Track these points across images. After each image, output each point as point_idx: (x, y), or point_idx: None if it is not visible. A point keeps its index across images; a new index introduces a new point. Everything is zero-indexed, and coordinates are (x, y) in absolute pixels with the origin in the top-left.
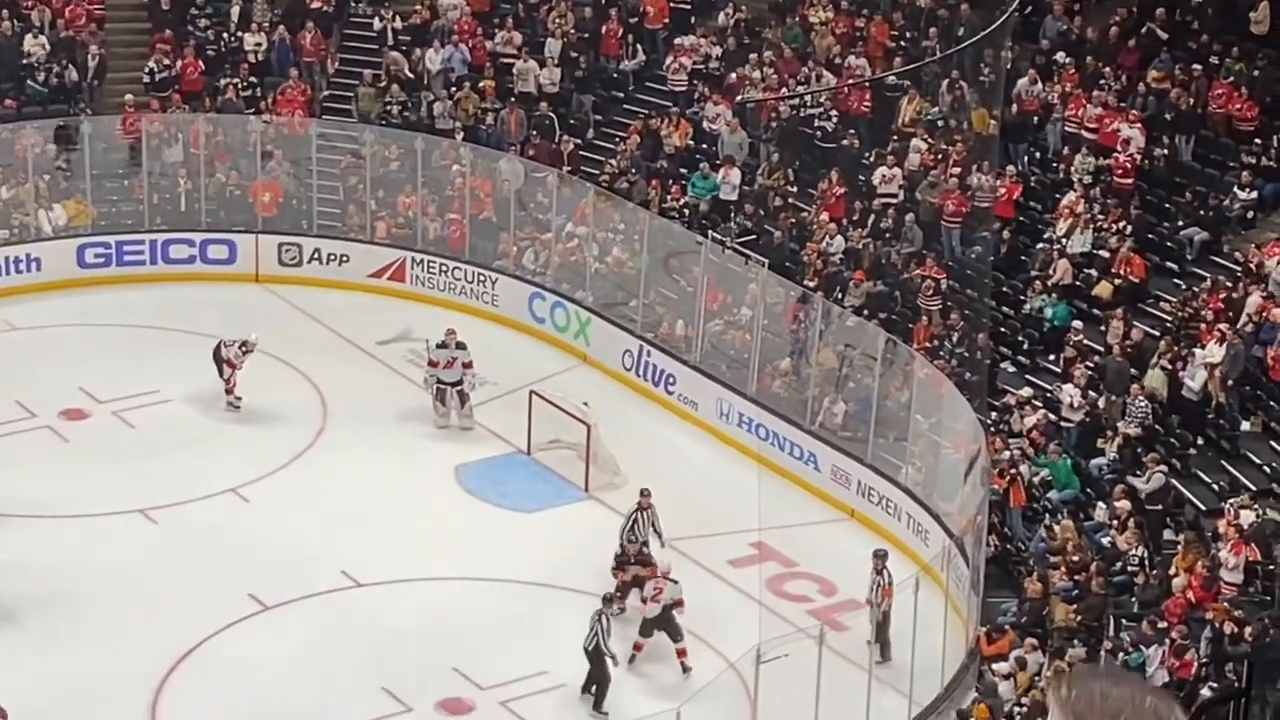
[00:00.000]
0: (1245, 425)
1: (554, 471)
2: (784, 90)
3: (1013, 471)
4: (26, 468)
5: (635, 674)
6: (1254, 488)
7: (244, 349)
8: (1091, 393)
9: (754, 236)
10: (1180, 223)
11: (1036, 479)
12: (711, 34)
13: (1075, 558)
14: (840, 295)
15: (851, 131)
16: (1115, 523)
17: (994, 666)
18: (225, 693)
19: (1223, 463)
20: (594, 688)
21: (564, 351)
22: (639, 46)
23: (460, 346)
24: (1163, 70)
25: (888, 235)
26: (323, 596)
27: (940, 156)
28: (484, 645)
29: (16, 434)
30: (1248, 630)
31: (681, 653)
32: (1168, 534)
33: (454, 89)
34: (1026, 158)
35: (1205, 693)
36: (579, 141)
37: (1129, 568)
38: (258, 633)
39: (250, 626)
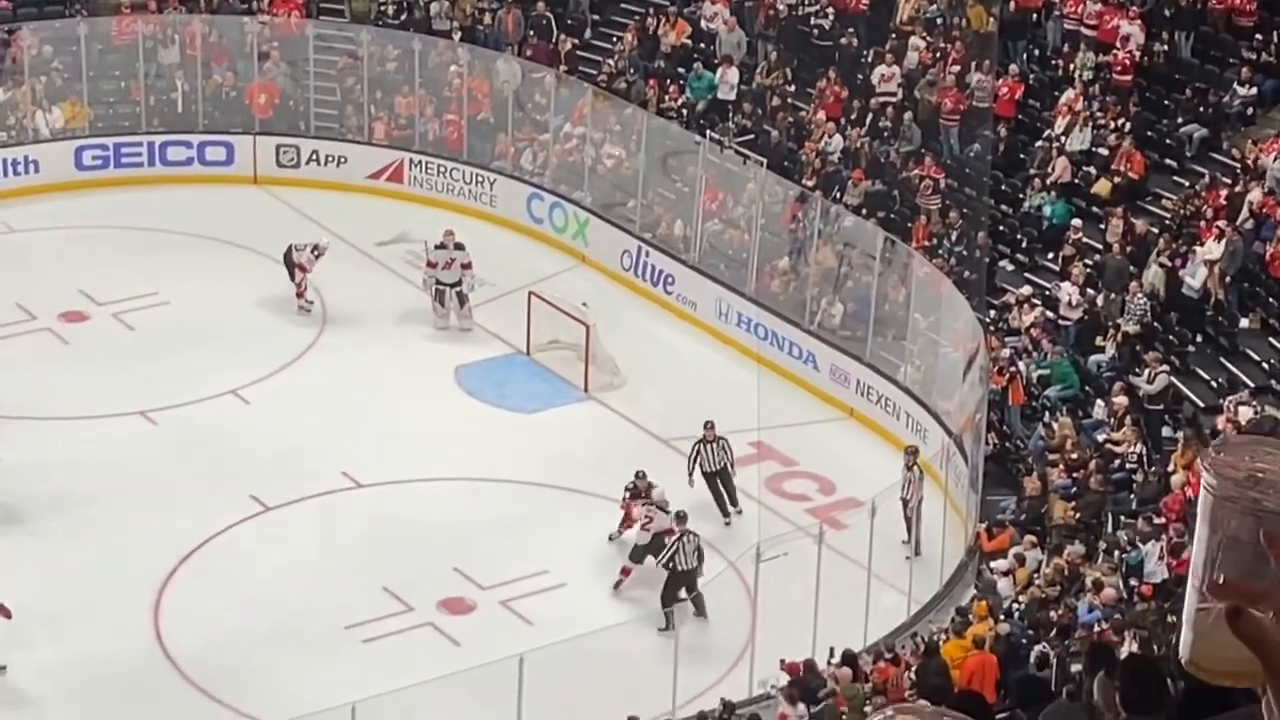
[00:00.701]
0: (1244, 322)
1: (553, 372)
2: None
3: (1012, 369)
4: (26, 370)
5: (624, 599)
6: (1253, 384)
7: (315, 252)
8: (1090, 290)
9: (752, 136)
10: (1180, 120)
11: (1035, 377)
12: None
13: (1074, 455)
14: (839, 194)
15: (849, 29)
16: (1113, 420)
17: (993, 564)
18: (227, 593)
19: (1221, 360)
20: (692, 597)
21: (562, 252)
22: None
23: (459, 247)
24: None
25: (886, 134)
26: (323, 497)
27: (939, 54)
28: (484, 545)
29: (16, 336)
30: None
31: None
32: (1166, 431)
33: None
34: (1025, 55)
35: None
36: (576, 41)
37: (1127, 465)
38: (259, 533)
39: (251, 527)
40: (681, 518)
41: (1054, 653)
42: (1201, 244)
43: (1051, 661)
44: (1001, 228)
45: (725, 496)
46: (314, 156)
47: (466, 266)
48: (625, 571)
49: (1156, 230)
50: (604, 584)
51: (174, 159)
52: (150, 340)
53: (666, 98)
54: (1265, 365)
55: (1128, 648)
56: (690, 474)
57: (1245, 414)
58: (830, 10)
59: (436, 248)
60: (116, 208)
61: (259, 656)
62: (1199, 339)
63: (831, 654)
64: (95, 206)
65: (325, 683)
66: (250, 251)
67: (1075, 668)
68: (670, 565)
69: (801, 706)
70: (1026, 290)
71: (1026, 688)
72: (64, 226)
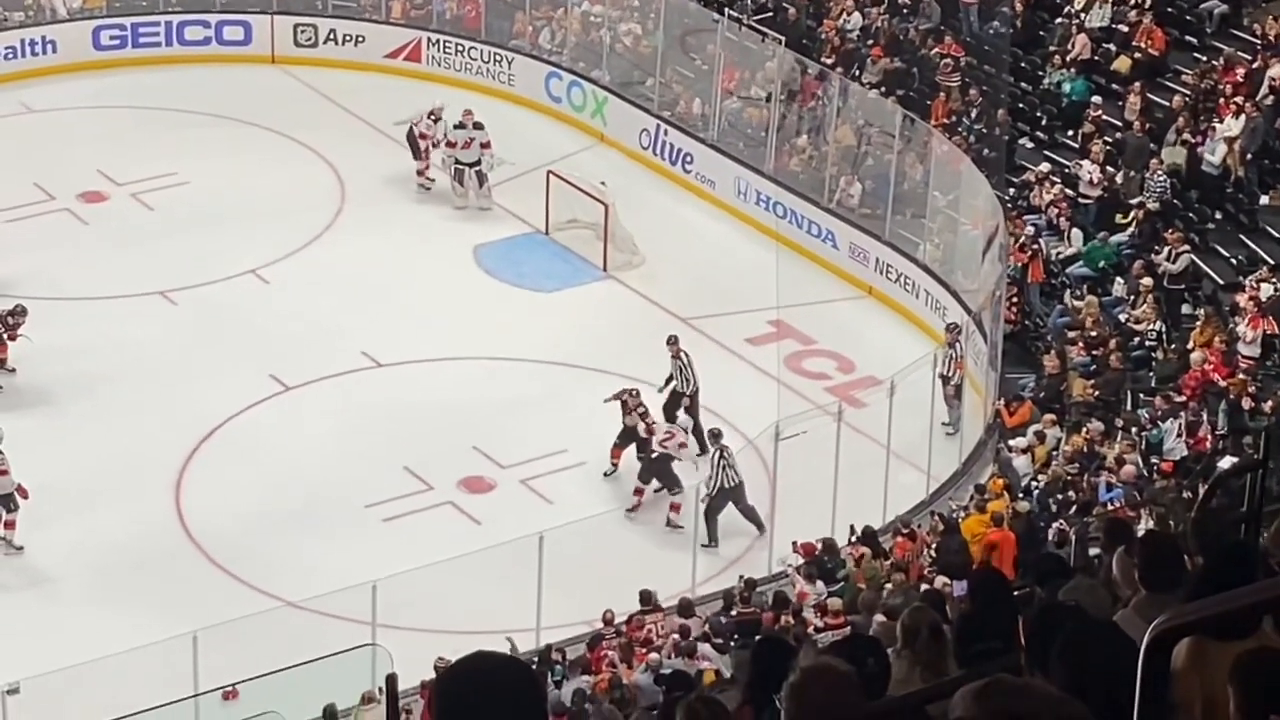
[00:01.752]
0: (1264, 199)
1: (572, 251)
2: None
3: (1034, 247)
4: (46, 250)
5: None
6: (1272, 261)
7: (432, 116)
8: (1109, 168)
9: (770, 13)
10: None
11: (1056, 254)
12: None
13: (1093, 333)
14: (858, 72)
15: None
16: (1133, 298)
17: (1011, 442)
18: (247, 472)
19: (1241, 236)
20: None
21: (581, 131)
22: None
23: (478, 127)
24: None
25: (905, 11)
26: (343, 377)
27: None
28: (504, 424)
29: (36, 216)
30: (1266, 405)
31: (675, 507)
32: (1186, 309)
33: None
34: None
35: (1222, 465)
36: None
37: (1147, 343)
38: (279, 413)
39: (271, 407)
40: (716, 435)
41: (1072, 530)
42: (1221, 120)
43: (1070, 538)
44: (1021, 105)
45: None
46: (331, 35)
47: (485, 146)
48: (638, 493)
49: (1175, 107)
50: (626, 462)
51: (191, 38)
52: (169, 220)
53: None
54: None
55: (1145, 525)
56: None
57: (1265, 290)
58: None
59: (456, 127)
60: (134, 88)
61: (279, 535)
62: (1218, 216)
63: (852, 531)
64: (113, 86)
65: (346, 561)
66: (268, 131)
67: (1094, 551)
68: (719, 486)
69: (820, 584)
70: (1045, 167)
71: (1046, 565)
72: (82, 107)
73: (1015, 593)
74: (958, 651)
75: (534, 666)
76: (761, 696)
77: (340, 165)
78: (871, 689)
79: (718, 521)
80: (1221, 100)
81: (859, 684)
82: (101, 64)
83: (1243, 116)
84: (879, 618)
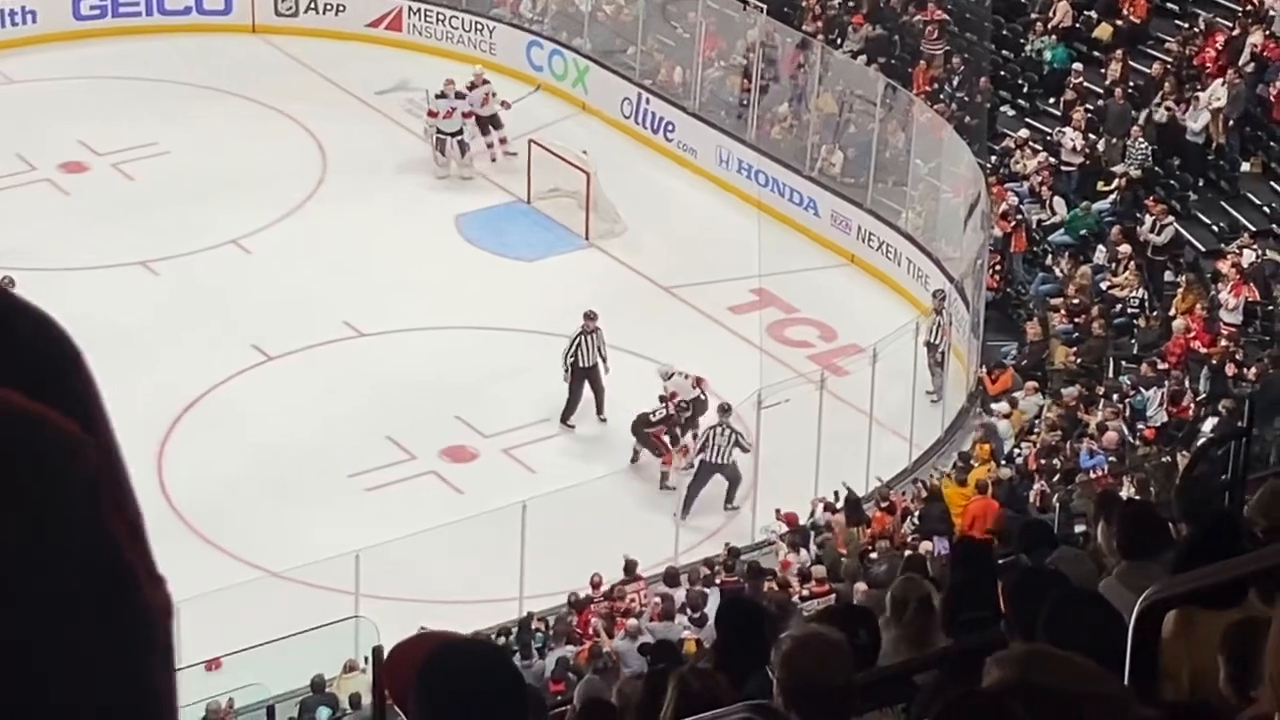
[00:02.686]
0: (1245, 166)
1: (554, 220)
2: None
3: (1017, 216)
4: (27, 221)
5: (628, 448)
6: (1254, 228)
7: (471, 87)
8: (1091, 135)
9: None
10: None
11: (1038, 221)
12: None
13: (1076, 300)
14: (840, 40)
15: None
16: (1115, 265)
17: (994, 407)
18: (229, 443)
19: (1223, 204)
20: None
21: (563, 99)
22: None
23: (459, 96)
24: None
25: None
26: (325, 347)
27: None
28: (486, 394)
29: (17, 187)
30: (1250, 371)
31: (666, 460)
32: (1168, 276)
33: None
34: None
35: (1205, 429)
36: None
37: (1129, 310)
38: (261, 383)
39: (254, 377)
40: (725, 410)
41: (1056, 496)
42: (1203, 88)
43: (1054, 504)
44: (1003, 72)
45: (595, 398)
46: (312, 4)
47: (467, 115)
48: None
49: (1156, 74)
50: (606, 431)
51: (172, 8)
52: (150, 190)
53: None
54: (1266, 209)
55: (1126, 492)
56: (565, 367)
57: (1247, 257)
58: None
59: (437, 97)
60: (115, 57)
61: (262, 506)
62: (1200, 183)
63: (836, 497)
64: (93, 56)
65: (328, 531)
66: (249, 101)
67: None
68: (702, 459)
69: (804, 552)
70: (1025, 134)
71: (1032, 532)
72: (62, 77)
73: (1001, 560)
74: (945, 621)
75: (515, 635)
76: (734, 661)
77: (321, 135)
78: (861, 660)
79: (697, 498)
80: (1205, 67)
81: (850, 653)
82: (82, 34)
83: (1225, 83)
84: (860, 586)
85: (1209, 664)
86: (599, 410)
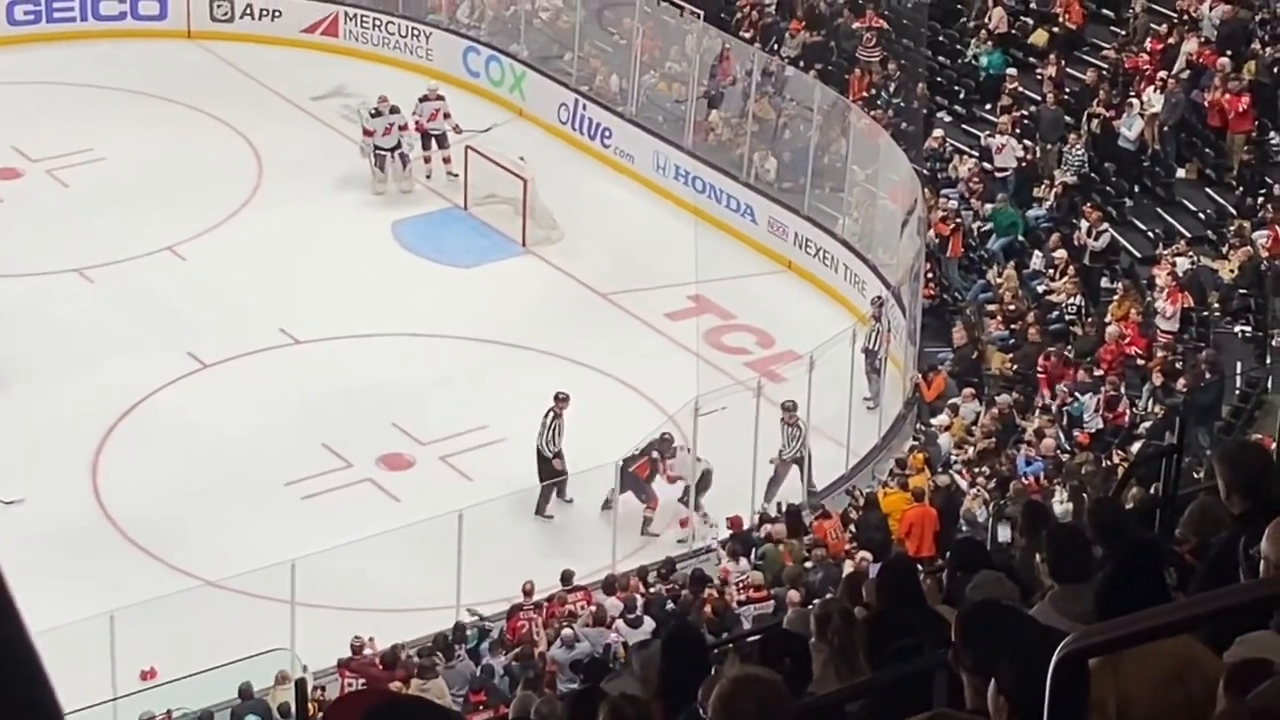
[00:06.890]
0: (1181, 172)
1: (491, 226)
2: None
3: (956, 220)
4: None
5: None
6: (1189, 235)
7: (423, 99)
8: (1027, 141)
9: None
10: None
11: (975, 228)
12: None
13: (1012, 306)
14: (776, 46)
15: None
16: (1052, 271)
17: (934, 419)
18: (165, 451)
19: (1158, 210)
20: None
21: (499, 105)
22: None
23: (394, 111)
24: None
25: None
26: (261, 354)
27: None
28: (423, 401)
29: None
30: (1180, 382)
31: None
32: (1105, 282)
33: None
34: None
35: (1139, 433)
36: None
37: (1066, 316)
38: (197, 391)
39: (189, 385)
40: (789, 408)
41: (989, 505)
42: (1138, 95)
43: (987, 513)
44: (939, 79)
45: (556, 489)
46: (248, 10)
47: (404, 128)
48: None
49: (1091, 81)
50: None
51: (106, 13)
52: (85, 197)
53: None
54: (1201, 215)
55: (1060, 498)
56: (540, 446)
57: (1182, 264)
58: None
59: (372, 116)
60: (49, 63)
61: (198, 514)
62: (1136, 190)
63: (779, 508)
64: (27, 62)
65: (264, 539)
66: (185, 106)
67: (1005, 535)
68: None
69: (743, 561)
70: (939, 132)
71: (965, 549)
72: None
73: (935, 574)
74: (869, 653)
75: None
76: (674, 690)
77: (257, 141)
78: (792, 688)
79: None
80: (1140, 74)
81: (787, 694)
82: (16, 39)
83: (1162, 90)
84: (793, 594)
85: (1136, 691)
86: (560, 493)
